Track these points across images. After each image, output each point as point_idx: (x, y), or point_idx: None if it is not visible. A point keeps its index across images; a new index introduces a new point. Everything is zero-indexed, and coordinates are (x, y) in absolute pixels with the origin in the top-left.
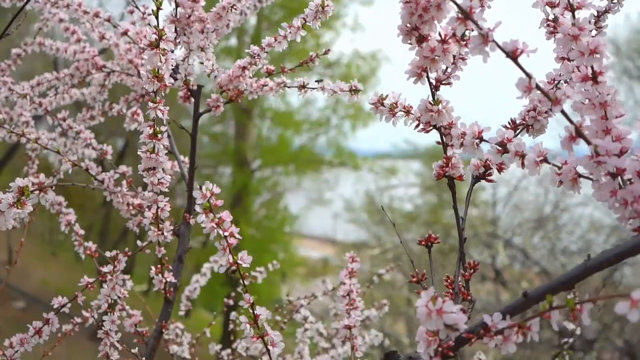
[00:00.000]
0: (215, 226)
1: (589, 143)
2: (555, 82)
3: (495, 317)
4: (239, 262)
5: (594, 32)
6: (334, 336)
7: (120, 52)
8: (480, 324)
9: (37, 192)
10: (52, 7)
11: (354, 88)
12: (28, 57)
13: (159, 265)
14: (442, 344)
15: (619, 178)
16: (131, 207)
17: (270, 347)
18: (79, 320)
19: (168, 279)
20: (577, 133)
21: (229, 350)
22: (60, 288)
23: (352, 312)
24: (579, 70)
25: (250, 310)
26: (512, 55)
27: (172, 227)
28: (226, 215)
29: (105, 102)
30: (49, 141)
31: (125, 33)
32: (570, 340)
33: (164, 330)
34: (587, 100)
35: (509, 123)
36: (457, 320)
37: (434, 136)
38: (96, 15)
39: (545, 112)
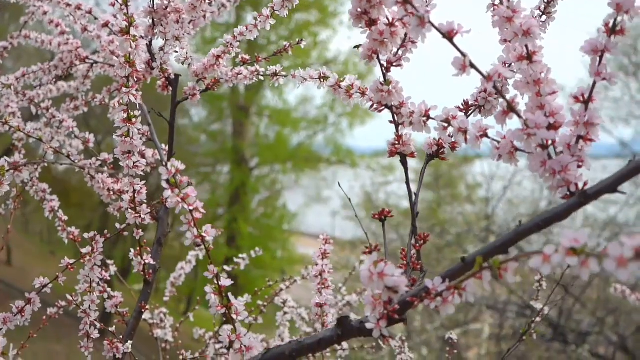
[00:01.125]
0: (180, 201)
1: (520, 117)
2: (507, 64)
3: (435, 281)
4: (203, 234)
5: (543, 18)
6: (317, 321)
7: (102, 44)
8: (423, 288)
9: (11, 171)
10: (36, 0)
11: (322, 75)
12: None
13: (138, 248)
14: (388, 308)
15: (549, 149)
16: (111, 193)
17: (234, 316)
18: (63, 303)
19: (147, 261)
20: (510, 108)
21: (211, 334)
22: (59, 287)
23: (324, 290)
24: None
25: (215, 281)
26: (448, 36)
27: (149, 210)
28: (191, 191)
29: (88, 93)
30: (34, 131)
31: (106, 25)
32: (538, 319)
33: (143, 310)
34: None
35: (461, 104)
36: (398, 282)
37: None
38: (78, 7)
39: (496, 94)
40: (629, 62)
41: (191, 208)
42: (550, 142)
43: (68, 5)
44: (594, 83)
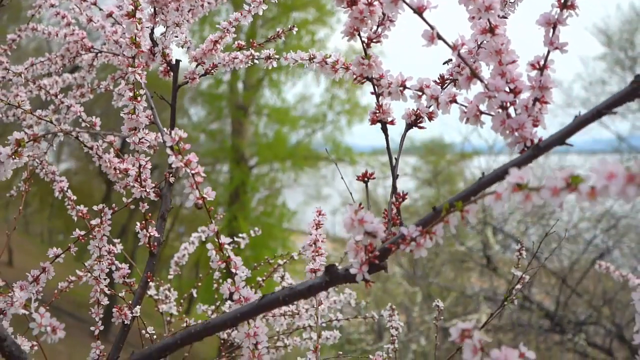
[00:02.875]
0: (183, 165)
1: (482, 81)
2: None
3: (410, 229)
4: (205, 196)
5: (511, 0)
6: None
7: (107, 34)
8: (399, 236)
9: (31, 142)
10: None
11: (312, 57)
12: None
13: (143, 221)
14: (370, 255)
15: (510, 111)
16: (118, 172)
17: (233, 270)
18: (73, 278)
19: (152, 234)
20: (472, 74)
21: (213, 307)
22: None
23: (317, 257)
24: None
25: (216, 239)
26: (418, 10)
27: (154, 185)
28: (193, 157)
29: (93, 81)
30: (45, 115)
31: (110, 15)
32: (519, 287)
33: (149, 280)
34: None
35: (438, 78)
36: (376, 228)
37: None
38: None
39: (462, 63)
40: (625, 56)
41: (193, 172)
42: (509, 103)
43: None
44: (548, 52)
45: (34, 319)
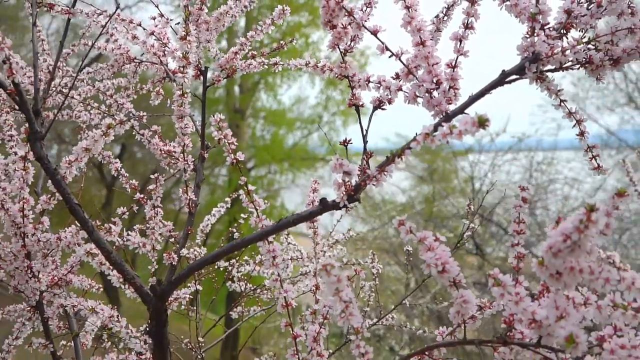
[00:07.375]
0: (223, 137)
1: (414, 76)
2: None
3: (372, 171)
4: (238, 157)
5: (445, 18)
6: (313, 257)
7: (147, 47)
8: (366, 176)
9: (118, 125)
10: (96, 16)
11: (307, 62)
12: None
13: (185, 187)
14: (348, 188)
15: (432, 94)
16: (162, 152)
17: (257, 208)
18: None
19: (191, 197)
20: (409, 71)
21: (234, 261)
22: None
23: None
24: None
25: (245, 187)
26: (374, 32)
27: (193, 159)
28: (229, 131)
29: (137, 85)
30: (107, 109)
31: (152, 33)
32: (468, 233)
33: (189, 232)
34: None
35: (394, 74)
36: (351, 168)
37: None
38: (131, 21)
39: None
40: None
41: (229, 142)
42: (433, 90)
43: (123, 20)
44: (457, 57)
45: (130, 239)
